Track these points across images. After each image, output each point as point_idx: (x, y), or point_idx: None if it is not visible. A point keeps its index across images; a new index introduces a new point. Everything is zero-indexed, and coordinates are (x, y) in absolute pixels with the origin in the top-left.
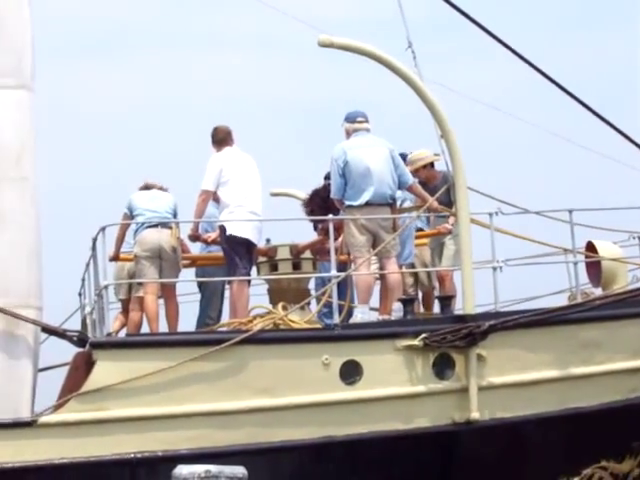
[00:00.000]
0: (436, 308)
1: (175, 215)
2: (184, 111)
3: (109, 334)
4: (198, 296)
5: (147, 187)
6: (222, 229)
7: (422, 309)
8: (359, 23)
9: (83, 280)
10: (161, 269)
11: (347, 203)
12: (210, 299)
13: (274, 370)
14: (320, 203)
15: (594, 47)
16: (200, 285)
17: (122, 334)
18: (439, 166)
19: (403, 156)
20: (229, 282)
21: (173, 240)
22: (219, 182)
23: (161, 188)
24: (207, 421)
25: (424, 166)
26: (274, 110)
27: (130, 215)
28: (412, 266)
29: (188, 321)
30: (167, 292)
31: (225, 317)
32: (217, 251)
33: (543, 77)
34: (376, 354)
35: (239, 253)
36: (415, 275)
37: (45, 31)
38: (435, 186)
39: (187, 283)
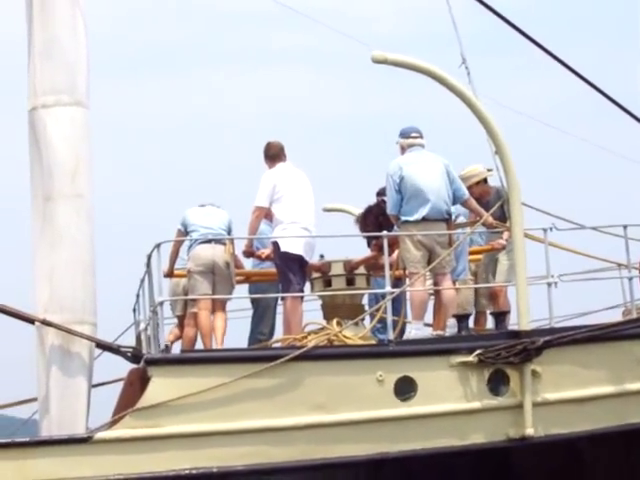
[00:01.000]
0: (490, 324)
1: (229, 232)
2: (237, 127)
3: (166, 346)
4: (250, 312)
5: (201, 205)
6: (276, 245)
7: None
8: (411, 39)
9: (137, 296)
10: (214, 285)
11: (403, 219)
12: (263, 315)
13: (328, 386)
14: (374, 220)
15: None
16: (253, 301)
17: (176, 347)
18: (491, 181)
19: None
20: (282, 298)
21: (227, 256)
22: (272, 199)
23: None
24: (262, 437)
25: (477, 182)
26: (326, 125)
27: (184, 231)
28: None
29: (240, 337)
30: (217, 307)
31: (277, 333)
32: (269, 267)
33: (599, 93)
34: (430, 370)
35: (292, 269)
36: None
37: (105, 49)
38: (488, 202)
39: (239, 299)
